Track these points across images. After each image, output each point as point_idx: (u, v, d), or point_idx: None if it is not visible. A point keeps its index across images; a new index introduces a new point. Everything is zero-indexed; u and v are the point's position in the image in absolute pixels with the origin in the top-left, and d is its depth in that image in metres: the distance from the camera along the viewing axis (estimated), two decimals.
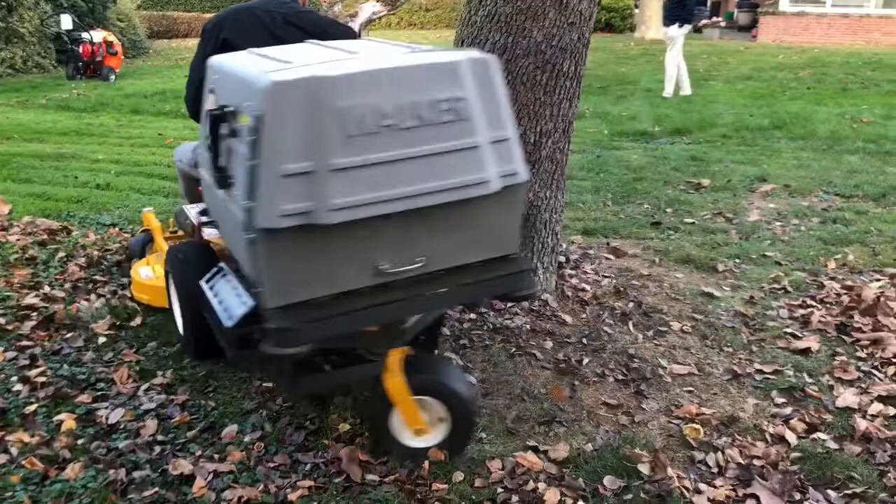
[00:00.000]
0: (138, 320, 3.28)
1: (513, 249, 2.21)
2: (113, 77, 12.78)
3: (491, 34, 3.24)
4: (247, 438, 2.48)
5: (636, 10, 20.71)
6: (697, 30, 22.74)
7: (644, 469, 2.31)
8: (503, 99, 2.09)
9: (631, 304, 3.55)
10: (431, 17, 24.56)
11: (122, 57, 13.70)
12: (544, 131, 3.35)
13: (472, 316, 3.34)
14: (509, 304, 3.44)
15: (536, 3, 3.14)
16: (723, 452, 2.43)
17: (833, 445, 2.48)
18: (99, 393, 2.75)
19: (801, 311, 3.48)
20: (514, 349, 3.10)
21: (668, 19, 10.10)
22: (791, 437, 2.52)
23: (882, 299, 3.46)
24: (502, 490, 2.25)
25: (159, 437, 2.48)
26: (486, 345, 3.13)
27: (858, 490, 2.26)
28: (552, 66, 3.27)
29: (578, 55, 3.34)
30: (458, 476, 2.30)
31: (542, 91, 3.29)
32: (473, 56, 2.04)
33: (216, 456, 2.39)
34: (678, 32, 9.91)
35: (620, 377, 2.92)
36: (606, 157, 6.65)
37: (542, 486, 2.26)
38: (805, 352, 3.11)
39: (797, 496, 2.24)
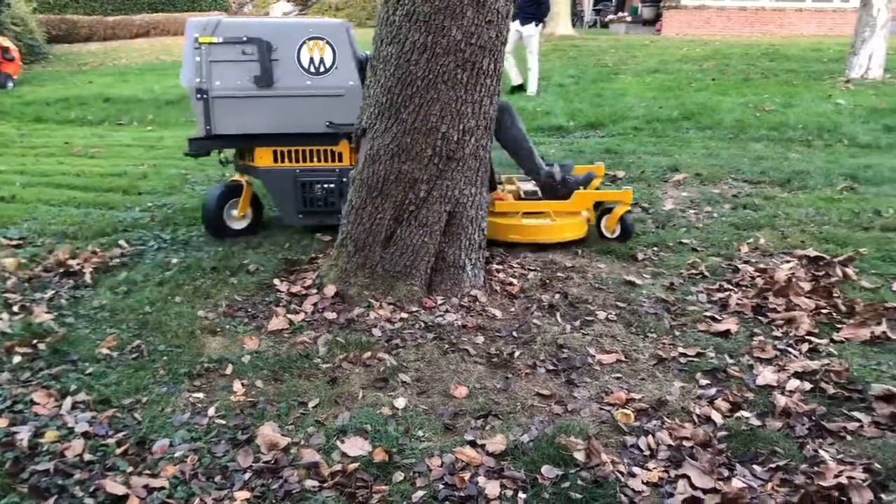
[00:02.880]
0: (57, 335, 3.16)
1: None
2: (10, 84, 12.23)
3: (410, 33, 3.25)
4: (179, 452, 2.42)
5: None
6: (605, 24, 23.33)
7: (580, 456, 2.36)
8: None
9: (557, 296, 3.62)
10: (343, 16, 24.37)
11: (20, 63, 13.11)
12: (467, 129, 3.38)
13: (404, 315, 3.35)
14: (440, 302, 3.47)
15: (454, 1, 3.16)
16: (653, 435, 2.51)
17: (756, 422, 2.59)
18: (17, 415, 2.63)
19: (719, 295, 3.62)
20: (446, 346, 3.12)
21: (525, 18, 10.15)
22: (717, 417, 2.61)
23: (793, 280, 3.63)
24: (443, 486, 2.26)
25: (87, 457, 2.40)
26: (419, 343, 3.14)
27: (781, 463, 2.36)
28: (472, 64, 3.30)
29: (497, 53, 3.38)
30: (399, 476, 2.30)
31: (463, 89, 3.32)
32: None
33: (148, 472, 2.33)
34: (534, 31, 10.14)
35: (551, 367, 2.98)
36: None
37: (482, 479, 2.28)
38: (725, 334, 3.24)
39: (725, 473, 2.32)
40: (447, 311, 3.40)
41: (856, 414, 2.63)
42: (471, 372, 2.94)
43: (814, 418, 2.60)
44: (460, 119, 3.34)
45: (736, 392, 2.77)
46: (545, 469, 2.32)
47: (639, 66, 13.13)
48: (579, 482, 2.26)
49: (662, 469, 2.34)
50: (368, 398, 2.74)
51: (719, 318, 3.39)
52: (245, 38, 4.15)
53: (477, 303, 3.50)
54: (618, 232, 4.43)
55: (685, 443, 2.47)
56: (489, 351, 3.09)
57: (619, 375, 2.93)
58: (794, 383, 2.81)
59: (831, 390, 2.76)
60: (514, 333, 3.25)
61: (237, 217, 4.58)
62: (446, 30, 3.21)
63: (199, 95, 4.17)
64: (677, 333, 3.27)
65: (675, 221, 4.81)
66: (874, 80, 10.72)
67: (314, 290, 3.57)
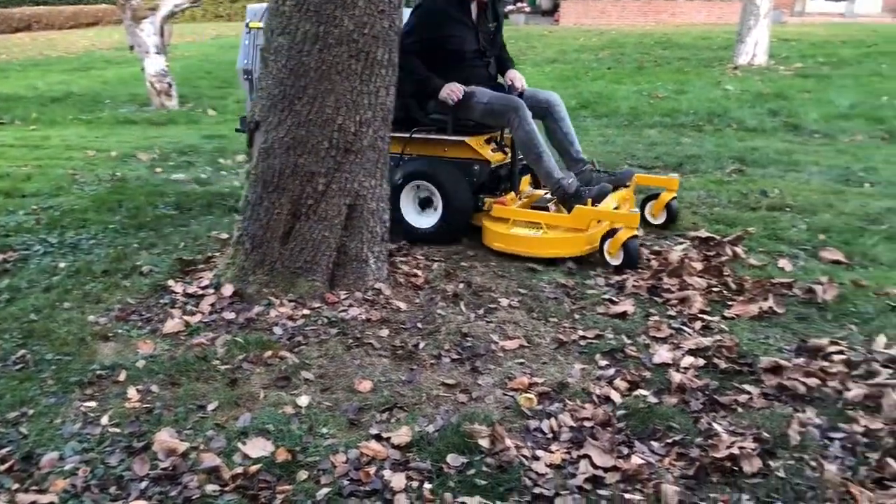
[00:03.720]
0: None
1: None
2: None
3: (301, 23, 3.18)
4: (69, 465, 2.31)
5: None
6: (504, 15, 23.61)
7: (484, 443, 2.37)
8: None
9: (461, 285, 3.63)
10: (238, 7, 23.81)
11: None
12: (364, 120, 3.34)
13: (306, 312, 3.30)
14: (343, 297, 3.43)
15: None
16: (556, 418, 2.55)
17: (653, 400, 2.67)
18: None
19: (616, 278, 3.71)
20: (350, 341, 3.09)
21: None
22: (616, 397, 2.68)
23: (686, 261, 3.76)
24: (348, 482, 2.24)
25: None
26: (322, 340, 3.09)
27: (677, 438, 2.44)
28: (366, 54, 3.26)
29: (391, 43, 3.36)
30: (303, 475, 2.26)
31: (358, 80, 3.28)
32: None
33: (36, 488, 2.21)
34: None
35: (456, 357, 2.98)
36: None
37: (387, 472, 2.27)
38: (622, 315, 3.32)
39: (625, 451, 2.38)
40: (350, 305, 3.36)
41: (746, 386, 2.74)
42: (375, 366, 2.92)
43: (707, 393, 2.70)
44: (356, 110, 3.30)
45: (634, 371, 2.85)
46: (450, 458, 2.33)
47: (538, 56, 13.34)
48: (484, 469, 2.28)
49: (565, 450, 2.38)
50: (270, 398, 2.68)
51: (616, 300, 3.48)
52: None
53: (381, 296, 3.47)
54: (619, 259, 3.84)
55: (586, 423, 2.52)
56: (394, 344, 3.07)
57: (521, 361, 2.97)
58: (688, 360, 2.91)
59: (723, 365, 2.88)
60: (419, 325, 3.24)
61: None
62: (338, 20, 3.16)
63: (245, 76, 4.48)
64: (577, 317, 3.34)
65: None
66: (759, 66, 11.22)
67: (211, 291, 3.47)
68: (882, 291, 3.48)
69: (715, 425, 2.49)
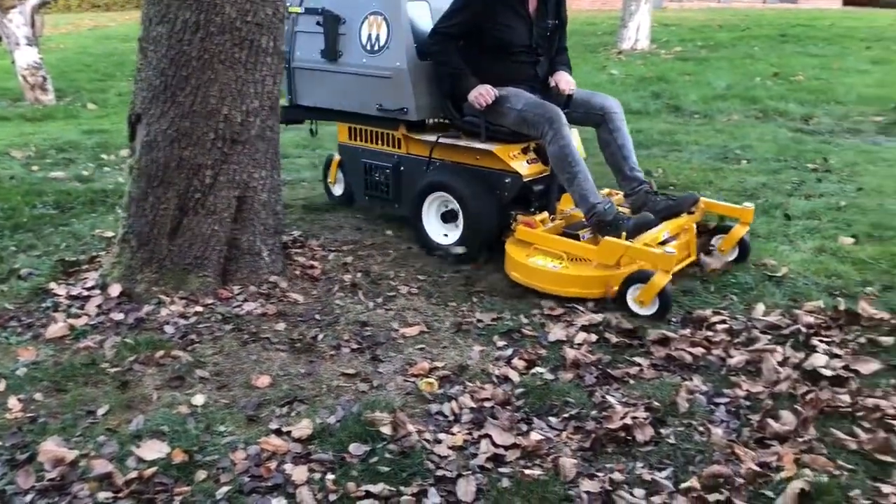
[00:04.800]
0: None
1: None
2: None
3: (181, 11, 3.08)
4: None
5: None
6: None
7: (386, 430, 2.37)
8: None
9: (360, 275, 3.62)
10: None
11: None
12: (251, 110, 3.27)
13: (199, 308, 3.20)
14: (237, 292, 3.35)
15: None
16: (456, 400, 2.58)
17: (550, 376, 2.74)
18: None
19: None
20: (246, 336, 3.02)
21: None
22: (514, 376, 2.74)
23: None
24: (249, 479, 2.19)
25: None
26: (217, 336, 3.02)
27: (574, 412, 2.52)
28: (250, 42, 3.19)
29: (276, 30, 3.30)
30: (201, 475, 2.21)
31: (243, 69, 3.20)
32: None
33: None
34: None
35: (356, 346, 2.97)
36: (321, 133, 6.64)
37: (289, 466, 2.24)
38: (518, 297, 3.39)
39: (524, 428, 2.44)
40: (245, 300, 3.29)
41: (636, 359, 2.85)
42: (273, 360, 2.87)
43: (600, 367, 2.79)
44: (242, 100, 3.23)
45: (530, 350, 2.91)
46: (353, 447, 2.32)
47: None
48: (387, 455, 2.28)
49: (466, 431, 2.42)
50: (164, 399, 2.60)
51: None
52: (320, 9, 4.10)
53: (277, 289, 3.41)
54: (653, 308, 3.18)
55: (486, 404, 2.56)
56: (291, 337, 3.03)
57: (422, 346, 2.99)
58: (581, 336, 3.00)
59: (614, 339, 2.98)
60: (317, 316, 3.21)
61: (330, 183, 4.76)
62: (219, 7, 3.08)
63: (284, 64, 4.14)
64: (475, 300, 3.38)
65: None
66: (642, 50, 11.61)
67: (97, 291, 3.32)
68: (760, 262, 3.68)
69: (608, 398, 2.58)
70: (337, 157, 4.62)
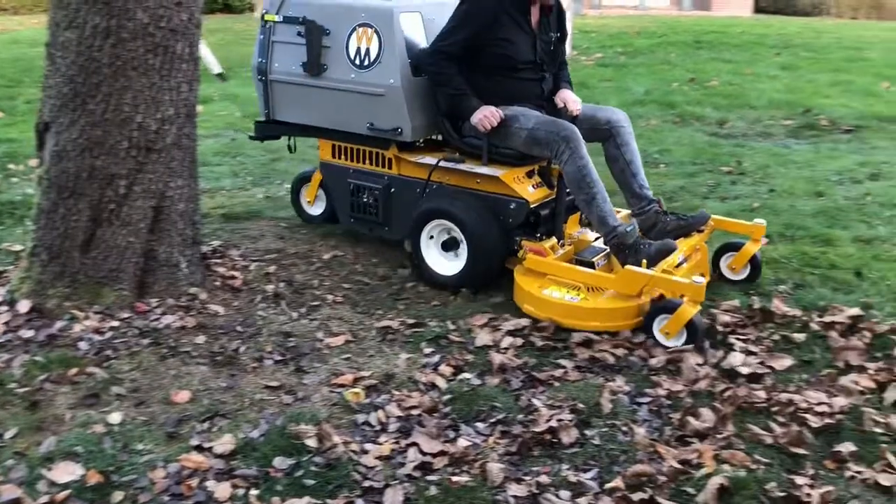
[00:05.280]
0: None
1: None
2: None
3: (90, 17, 2.97)
4: None
5: None
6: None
7: (311, 442, 2.34)
8: None
9: (282, 285, 3.55)
10: (26, 0, 21.90)
11: None
12: (166, 118, 3.18)
13: (115, 323, 3.09)
14: (155, 305, 3.25)
15: None
16: (383, 410, 2.56)
17: (477, 382, 2.74)
18: None
19: None
20: (164, 350, 2.93)
21: None
22: (441, 382, 2.73)
23: None
24: (169, 498, 2.13)
25: None
26: (134, 351, 2.91)
27: (501, 416, 2.53)
28: (164, 48, 3.10)
29: (192, 36, 3.22)
30: (118, 496, 2.13)
31: (157, 75, 3.11)
32: None
33: None
34: None
35: (279, 358, 2.92)
36: (241, 140, 6.54)
37: (211, 483, 2.18)
38: (444, 303, 3.39)
39: (452, 434, 2.44)
40: (163, 313, 3.19)
41: (561, 361, 2.89)
42: (193, 374, 2.79)
43: (526, 370, 2.81)
44: (157, 107, 3.13)
45: (458, 356, 2.92)
46: (277, 461, 2.28)
47: None
48: (312, 468, 2.25)
49: (393, 441, 2.40)
50: (78, 418, 2.50)
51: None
52: (301, 19, 3.80)
53: (196, 301, 3.32)
54: (681, 339, 2.98)
55: (413, 412, 2.55)
56: (212, 350, 2.96)
57: (348, 356, 2.95)
58: (507, 340, 3.02)
59: (539, 343, 3.01)
60: (238, 328, 3.13)
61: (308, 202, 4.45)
62: (131, 12, 2.98)
63: (259, 77, 3.99)
64: (401, 307, 3.37)
65: None
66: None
67: (5, 308, 3.17)
68: None
69: (534, 401, 2.60)
70: (318, 176, 4.27)
